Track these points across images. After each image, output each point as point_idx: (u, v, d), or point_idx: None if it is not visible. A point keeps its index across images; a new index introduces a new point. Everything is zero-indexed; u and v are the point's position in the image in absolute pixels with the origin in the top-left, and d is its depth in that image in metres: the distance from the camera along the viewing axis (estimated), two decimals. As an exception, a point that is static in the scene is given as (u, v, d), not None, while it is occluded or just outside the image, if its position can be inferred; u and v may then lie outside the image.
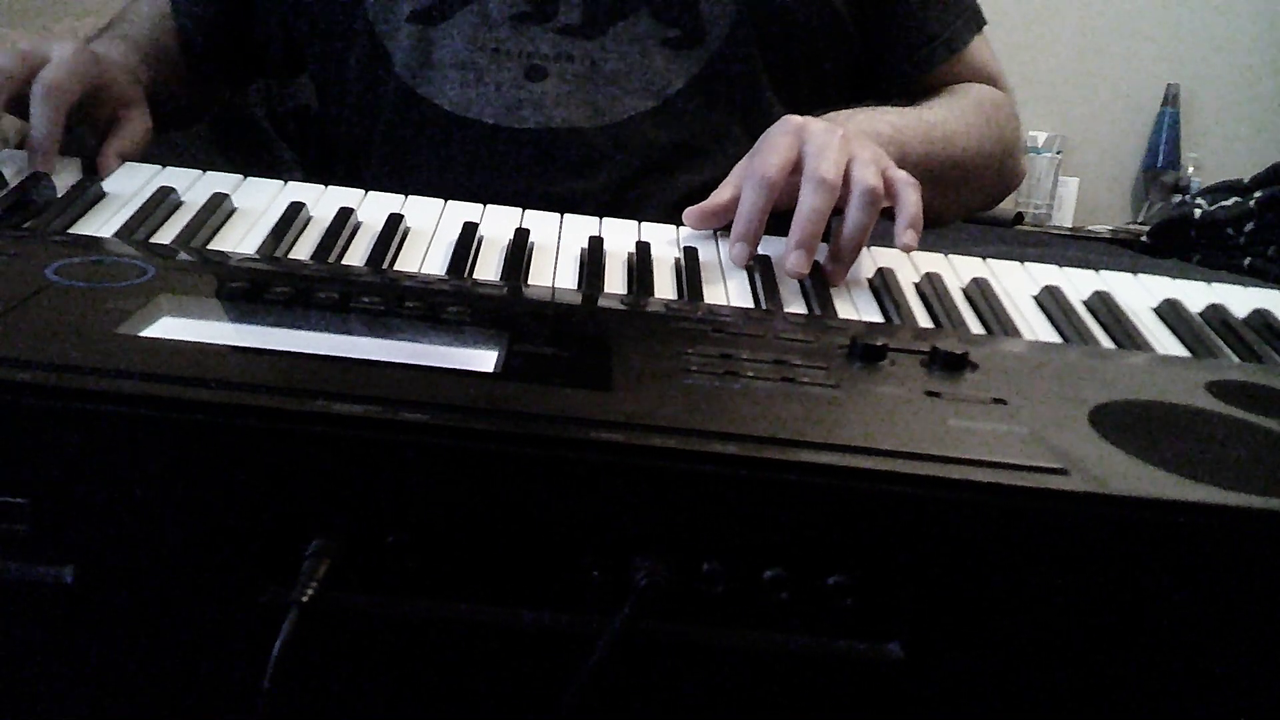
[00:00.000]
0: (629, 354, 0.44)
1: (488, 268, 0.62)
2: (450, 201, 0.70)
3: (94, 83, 0.72)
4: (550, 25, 0.82)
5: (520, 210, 0.69)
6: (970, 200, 0.90)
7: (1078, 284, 0.67)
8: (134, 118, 0.76)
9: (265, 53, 0.93)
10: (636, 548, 0.36)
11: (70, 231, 0.60)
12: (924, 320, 0.61)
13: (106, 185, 0.66)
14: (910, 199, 0.66)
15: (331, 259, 0.60)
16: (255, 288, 0.47)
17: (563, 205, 0.71)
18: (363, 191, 0.70)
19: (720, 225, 0.69)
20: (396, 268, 0.60)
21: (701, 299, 0.60)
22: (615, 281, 0.62)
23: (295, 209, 0.65)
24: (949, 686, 0.38)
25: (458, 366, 0.41)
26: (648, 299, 0.58)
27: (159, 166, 0.71)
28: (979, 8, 0.93)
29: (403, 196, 0.70)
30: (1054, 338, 0.61)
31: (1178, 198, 2.56)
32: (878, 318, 0.61)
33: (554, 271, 0.62)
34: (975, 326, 0.60)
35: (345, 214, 0.65)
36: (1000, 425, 0.41)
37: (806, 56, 0.86)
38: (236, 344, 0.42)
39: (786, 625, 0.37)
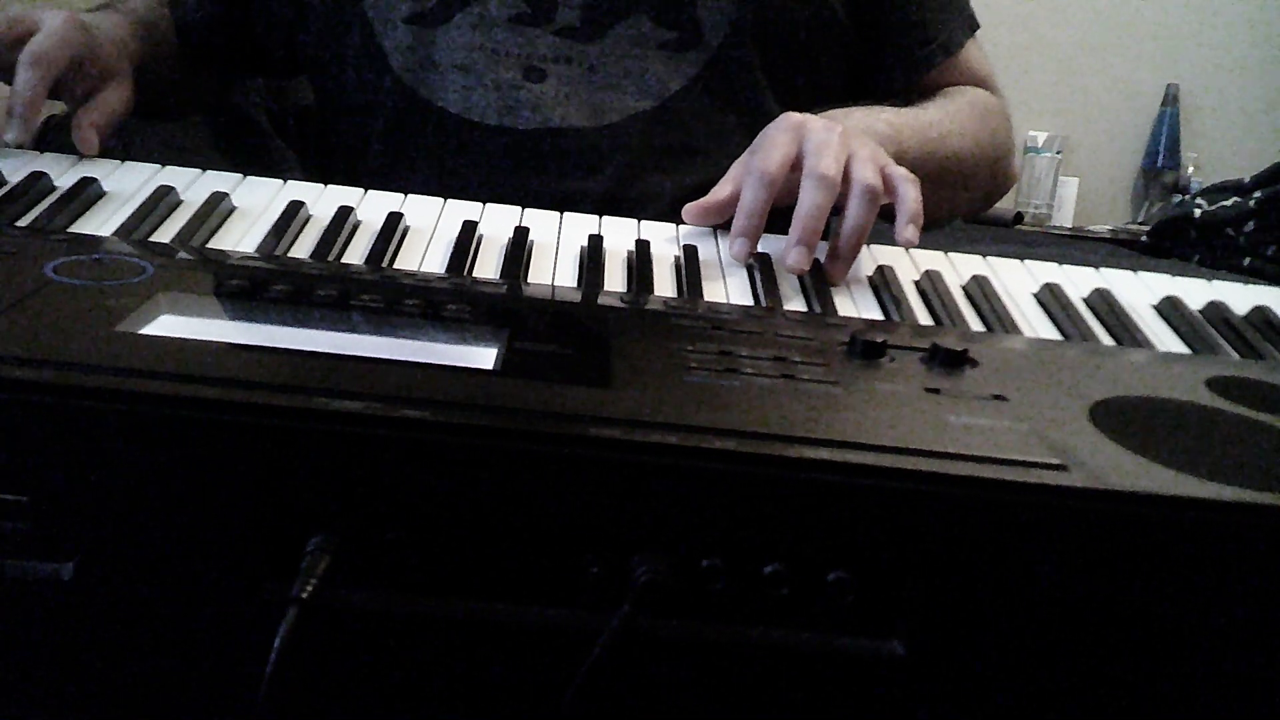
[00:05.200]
0: (628, 351, 0.44)
1: (487, 266, 0.62)
2: (450, 200, 0.70)
3: (80, 51, 0.72)
4: (549, 27, 0.82)
5: (520, 209, 0.69)
6: (964, 201, 0.91)
7: (1077, 281, 0.67)
8: (115, 89, 0.76)
9: (264, 52, 0.93)
10: (636, 544, 0.36)
11: (70, 230, 0.60)
12: (924, 318, 0.61)
13: (106, 184, 0.66)
14: (910, 194, 0.66)
15: (331, 257, 0.60)
16: (254, 286, 0.47)
17: (562, 205, 0.71)
18: (362, 190, 0.70)
19: (720, 221, 0.69)
20: (396, 266, 0.60)
21: (701, 297, 0.60)
22: (615, 279, 0.62)
23: (295, 208, 0.65)
24: (950, 683, 0.38)
25: (457, 364, 0.41)
26: (647, 297, 0.58)
27: (158, 165, 0.70)
28: (972, 12, 0.94)
29: (402, 195, 0.70)
30: (1054, 335, 0.61)
31: (1178, 198, 2.56)
32: (877, 315, 0.61)
33: (553, 269, 0.62)
34: (975, 324, 0.60)
35: (345, 213, 0.65)
36: (1000, 421, 0.41)
37: (803, 58, 0.86)
38: (236, 341, 0.42)
39: (787, 622, 0.37)
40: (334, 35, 0.87)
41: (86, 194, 0.64)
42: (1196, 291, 0.67)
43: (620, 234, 0.67)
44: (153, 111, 0.84)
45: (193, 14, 0.90)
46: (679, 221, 0.70)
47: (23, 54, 0.68)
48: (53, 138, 0.77)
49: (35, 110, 0.68)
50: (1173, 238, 2.03)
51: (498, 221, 0.67)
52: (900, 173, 0.67)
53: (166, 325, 0.42)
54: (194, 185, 0.68)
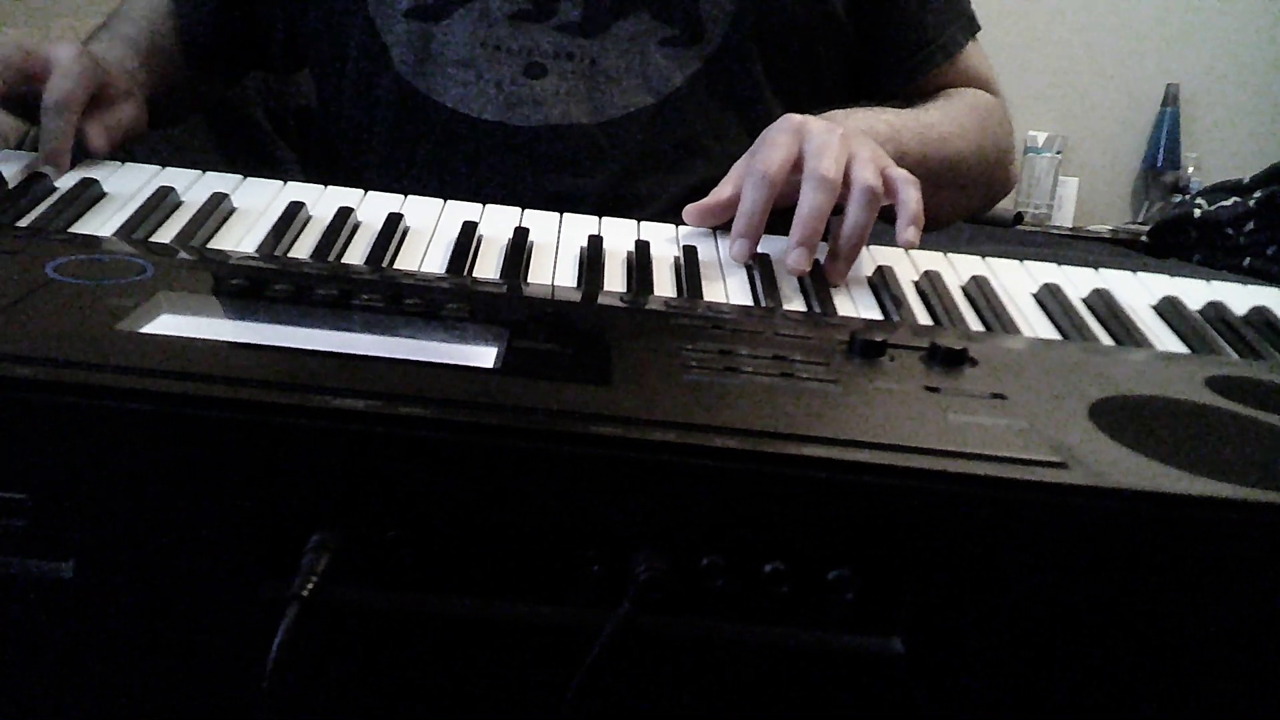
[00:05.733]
0: (628, 350, 0.44)
1: (487, 266, 0.62)
2: (450, 201, 0.70)
3: (97, 86, 0.72)
4: (550, 23, 0.82)
5: (519, 209, 0.69)
6: (963, 203, 0.91)
7: (1077, 281, 0.67)
8: (127, 106, 0.77)
9: (265, 47, 0.93)
10: (636, 542, 0.36)
11: (70, 230, 0.60)
12: (923, 317, 0.61)
13: (106, 185, 0.66)
14: (911, 196, 0.66)
15: (331, 258, 0.60)
16: (255, 285, 0.47)
17: (562, 202, 0.71)
18: (362, 191, 0.70)
19: (720, 222, 0.69)
20: (396, 266, 0.60)
21: (701, 297, 0.60)
22: (615, 279, 0.62)
23: (295, 208, 0.65)
24: (950, 681, 0.38)
25: (458, 362, 0.41)
26: (647, 297, 0.59)
27: (159, 166, 0.71)
28: (973, 13, 0.94)
29: (402, 196, 0.70)
30: (1053, 335, 0.61)
31: (1178, 198, 2.57)
32: (877, 315, 0.61)
33: (553, 270, 0.62)
34: (974, 324, 0.60)
35: (345, 213, 0.65)
36: (1000, 420, 0.41)
37: (804, 57, 0.87)
38: (236, 340, 0.42)
39: (787, 620, 0.37)
40: (335, 29, 0.87)
41: (87, 194, 0.64)
42: (1196, 291, 0.67)
43: (620, 234, 0.67)
44: (157, 121, 0.84)
45: (195, 10, 0.90)
46: (679, 221, 0.70)
47: (46, 100, 0.69)
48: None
49: (67, 155, 0.69)
50: (1173, 238, 2.03)
51: (498, 222, 0.67)
52: (901, 174, 0.67)
53: (167, 324, 0.42)
54: (194, 186, 0.68)
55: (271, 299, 0.46)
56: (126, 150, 0.76)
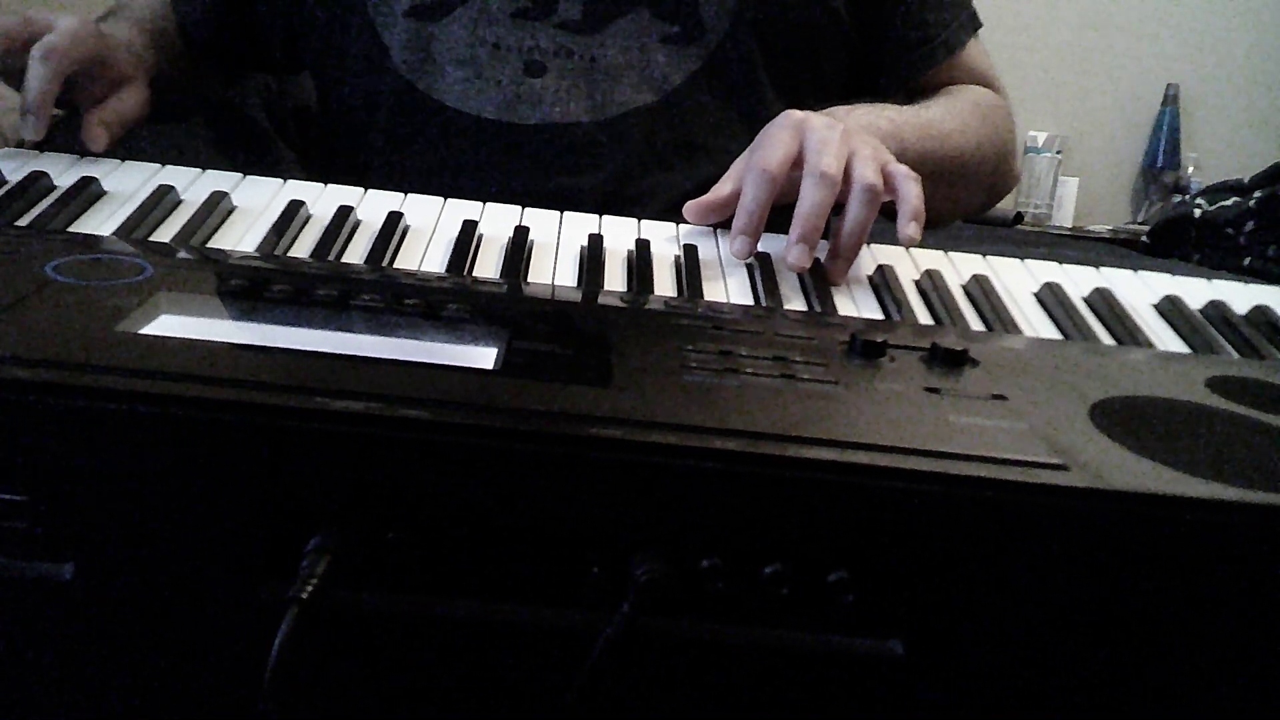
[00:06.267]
0: (628, 351, 0.44)
1: (487, 265, 0.62)
2: (450, 199, 0.70)
3: (94, 54, 0.72)
4: (550, 21, 0.82)
5: (520, 208, 0.69)
6: (965, 200, 0.90)
7: (1078, 280, 0.67)
8: (130, 93, 0.76)
9: (264, 47, 0.93)
10: (636, 544, 0.36)
11: (70, 229, 0.60)
12: (924, 317, 0.61)
13: (106, 183, 0.66)
14: (912, 192, 0.66)
15: (331, 257, 0.60)
16: (254, 285, 0.47)
17: (563, 201, 0.71)
18: (362, 190, 0.70)
19: (720, 219, 0.69)
20: (396, 265, 0.60)
21: (701, 296, 0.60)
22: (615, 279, 0.61)
23: (295, 207, 0.65)
24: (950, 683, 0.38)
25: (457, 364, 0.41)
26: (647, 296, 0.58)
27: (159, 165, 0.70)
28: (975, 10, 0.93)
29: (402, 195, 0.70)
30: (1054, 334, 0.61)
31: (1178, 198, 2.56)
32: (878, 315, 0.61)
33: (554, 269, 0.62)
34: (975, 323, 0.60)
35: (345, 212, 0.65)
36: (1000, 421, 0.41)
37: (805, 54, 0.86)
38: (236, 341, 0.42)
39: (787, 622, 0.37)
40: (335, 30, 0.87)
41: (86, 193, 0.64)
42: (1197, 291, 0.67)
43: (620, 233, 0.67)
44: (159, 114, 0.84)
45: (195, 11, 0.90)
46: (680, 220, 0.70)
47: (34, 50, 0.68)
48: (57, 138, 0.77)
49: (48, 105, 0.67)
50: (1173, 238, 2.03)
51: (498, 221, 0.67)
52: (901, 170, 0.67)
53: (166, 325, 0.42)
54: (194, 185, 0.68)
55: (271, 299, 0.46)
56: (125, 149, 0.76)
